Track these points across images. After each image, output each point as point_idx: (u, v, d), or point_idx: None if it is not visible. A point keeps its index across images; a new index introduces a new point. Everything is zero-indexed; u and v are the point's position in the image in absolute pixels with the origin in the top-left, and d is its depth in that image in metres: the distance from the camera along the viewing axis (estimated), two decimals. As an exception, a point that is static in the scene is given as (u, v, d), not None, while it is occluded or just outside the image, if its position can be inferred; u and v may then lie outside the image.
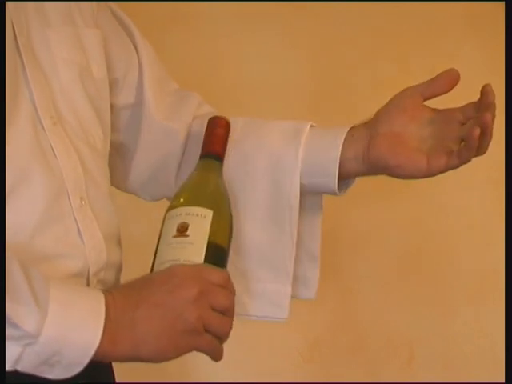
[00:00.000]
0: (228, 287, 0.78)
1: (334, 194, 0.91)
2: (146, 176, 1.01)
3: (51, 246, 0.79)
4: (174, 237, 0.81)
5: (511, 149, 0.97)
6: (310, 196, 0.93)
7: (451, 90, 0.87)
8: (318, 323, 1.74)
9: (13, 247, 0.73)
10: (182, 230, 0.81)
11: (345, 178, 0.91)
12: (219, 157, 0.90)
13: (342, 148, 0.88)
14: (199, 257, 0.80)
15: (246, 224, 0.93)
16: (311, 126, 0.93)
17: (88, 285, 0.83)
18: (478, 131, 0.80)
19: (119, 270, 0.91)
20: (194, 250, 0.80)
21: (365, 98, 1.71)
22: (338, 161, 0.88)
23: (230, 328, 0.78)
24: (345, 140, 0.89)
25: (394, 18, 1.79)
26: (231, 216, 0.87)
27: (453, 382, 1.69)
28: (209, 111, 1.01)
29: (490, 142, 0.82)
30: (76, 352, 0.70)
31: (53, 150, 0.81)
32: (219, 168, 0.89)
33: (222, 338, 0.77)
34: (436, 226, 1.77)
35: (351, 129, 0.90)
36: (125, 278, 0.93)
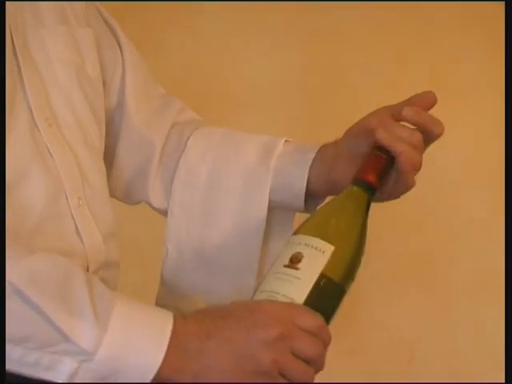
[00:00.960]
0: (320, 335, 0.71)
1: (303, 212, 0.91)
2: (122, 180, 1.00)
3: (50, 245, 0.78)
4: (285, 266, 0.73)
5: (511, 149, 0.97)
6: (281, 213, 0.93)
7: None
8: (317, 323, 1.74)
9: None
10: (295, 261, 0.73)
11: (312, 197, 0.91)
12: (372, 187, 0.78)
13: (310, 167, 0.88)
14: (301, 295, 0.71)
15: (214, 238, 0.92)
16: (286, 141, 0.93)
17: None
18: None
19: (117, 268, 0.91)
20: (298, 287, 0.72)
21: (365, 98, 1.71)
22: (306, 180, 0.88)
23: (312, 378, 0.71)
24: (314, 159, 0.89)
25: (394, 17, 1.79)
26: (360, 256, 0.76)
27: (453, 381, 1.69)
28: (190, 118, 1.02)
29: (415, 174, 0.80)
30: (133, 375, 0.67)
31: (49, 151, 0.81)
32: (367, 199, 0.78)
33: None
34: (436, 226, 1.77)
35: (321, 148, 0.90)
36: (124, 277, 0.93)
